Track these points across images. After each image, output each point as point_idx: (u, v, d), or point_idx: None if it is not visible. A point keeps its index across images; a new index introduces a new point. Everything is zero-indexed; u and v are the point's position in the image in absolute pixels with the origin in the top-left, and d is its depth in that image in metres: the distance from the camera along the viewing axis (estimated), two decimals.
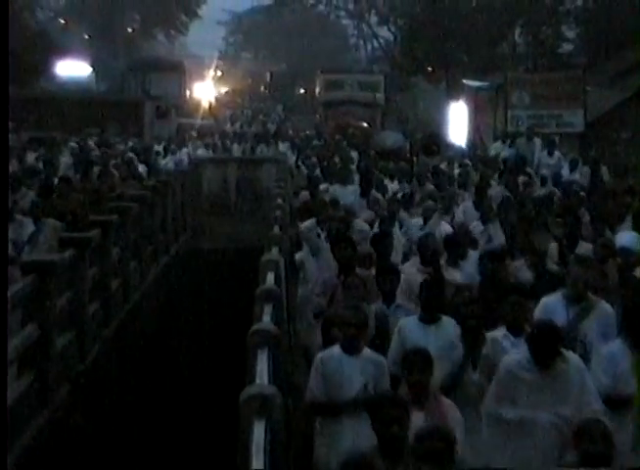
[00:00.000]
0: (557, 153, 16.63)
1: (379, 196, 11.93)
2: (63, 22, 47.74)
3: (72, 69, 37.34)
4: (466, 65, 35.36)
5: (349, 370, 5.77)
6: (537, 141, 17.21)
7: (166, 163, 20.20)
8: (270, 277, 7.36)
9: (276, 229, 10.14)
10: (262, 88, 58.61)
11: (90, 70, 38.42)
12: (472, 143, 22.61)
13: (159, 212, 15.10)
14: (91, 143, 21.19)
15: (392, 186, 13.56)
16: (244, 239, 16.95)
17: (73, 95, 29.71)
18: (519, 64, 34.37)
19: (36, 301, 7.67)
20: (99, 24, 48.28)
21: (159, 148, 22.06)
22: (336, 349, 5.92)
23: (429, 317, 6.36)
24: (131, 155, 18.52)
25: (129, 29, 52.46)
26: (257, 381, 4.77)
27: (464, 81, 29.90)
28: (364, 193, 12.11)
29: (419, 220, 10.45)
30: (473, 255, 8.42)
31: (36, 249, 9.29)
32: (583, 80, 21.39)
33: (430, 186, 12.81)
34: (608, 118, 22.31)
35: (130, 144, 22.69)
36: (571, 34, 35.01)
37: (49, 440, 7.37)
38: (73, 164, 16.59)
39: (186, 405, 11.03)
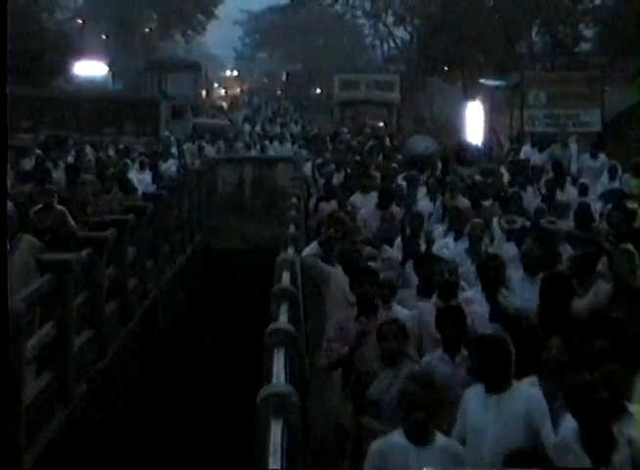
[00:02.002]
0: (602, 156, 15.01)
1: (395, 209, 10.46)
2: (80, 22, 47.95)
3: (90, 69, 37.52)
4: (482, 64, 35.30)
5: (417, 466, 4.37)
6: (573, 147, 16.01)
7: (169, 166, 18.54)
8: (286, 276, 7.36)
9: (292, 228, 10.14)
10: (278, 89, 58.66)
11: (107, 69, 38.57)
12: (498, 146, 21.91)
13: (174, 212, 15.15)
14: (88, 148, 19.26)
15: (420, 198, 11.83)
16: (259, 238, 16.98)
17: (90, 95, 29.84)
18: (536, 63, 34.24)
19: (54, 300, 7.71)
20: (116, 25, 48.48)
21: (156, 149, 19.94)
22: (397, 437, 4.53)
23: (492, 385, 4.83)
24: (127, 161, 16.49)
25: (146, 29, 52.61)
26: (274, 380, 4.78)
27: (480, 81, 29.83)
28: (382, 205, 10.56)
29: (447, 241, 8.88)
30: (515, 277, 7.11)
31: (9, 271, 7.92)
32: (601, 80, 21.29)
33: (464, 200, 11.02)
34: (625, 118, 22.21)
35: (121, 146, 20.37)
36: (588, 33, 34.85)
37: (68, 438, 7.41)
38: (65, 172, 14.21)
39: (203, 405, 11.05)
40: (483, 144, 21.72)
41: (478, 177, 13.09)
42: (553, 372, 5.01)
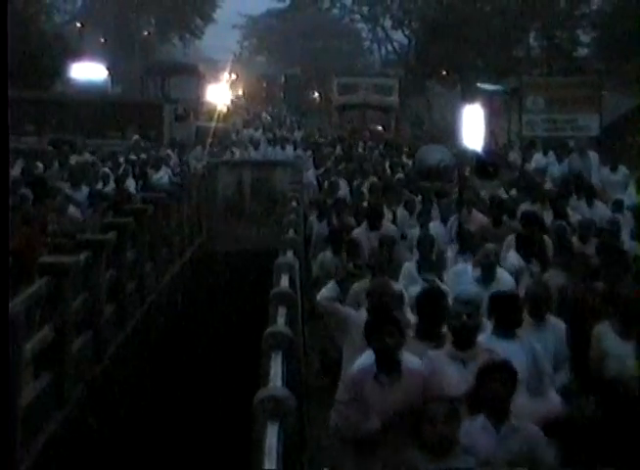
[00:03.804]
0: (622, 168, 13.89)
1: (390, 228, 9.58)
2: (79, 25, 47.99)
3: (88, 71, 37.47)
4: (480, 68, 35.34)
5: None
6: (593, 156, 14.57)
7: (160, 176, 17.19)
8: (285, 280, 7.37)
9: (291, 232, 10.15)
10: (277, 92, 58.69)
11: (106, 73, 38.55)
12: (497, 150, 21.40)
13: (174, 215, 15.16)
14: (87, 155, 17.68)
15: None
16: (258, 242, 16.98)
17: (93, 98, 29.85)
18: (534, 68, 34.31)
19: (52, 303, 7.73)
20: (115, 28, 48.51)
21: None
22: None
23: None
24: (107, 170, 15.17)
25: (145, 33, 52.66)
26: (271, 384, 4.78)
27: (478, 85, 29.90)
28: (372, 225, 9.49)
29: (466, 267, 7.66)
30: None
31: None
32: (599, 85, 21.34)
33: (480, 216, 9.78)
34: (623, 123, 22.27)
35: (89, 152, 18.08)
36: (586, 38, 34.94)
37: (65, 441, 7.42)
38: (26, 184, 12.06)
39: (200, 408, 11.05)
40: (483, 149, 21.73)
41: (501, 191, 11.70)
42: None
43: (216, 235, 18.80)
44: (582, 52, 35.08)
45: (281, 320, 6.15)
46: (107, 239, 9.68)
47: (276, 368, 5.07)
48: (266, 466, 3.82)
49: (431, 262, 7.81)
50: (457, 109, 30.46)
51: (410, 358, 5.14)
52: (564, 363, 6.04)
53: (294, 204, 12.65)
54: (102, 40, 48.25)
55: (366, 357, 5.19)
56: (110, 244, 9.73)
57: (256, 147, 23.39)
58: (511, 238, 8.67)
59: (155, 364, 11.26)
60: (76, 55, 37.41)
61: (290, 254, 8.77)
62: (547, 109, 20.99)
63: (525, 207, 10.60)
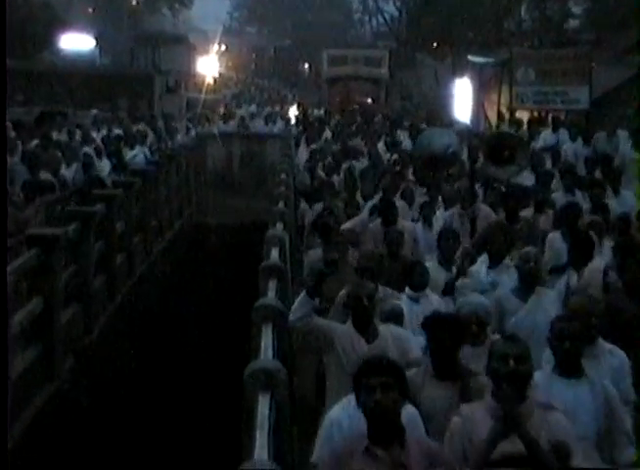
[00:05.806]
0: None
1: (407, 225, 8.14)
2: None
3: (76, 42, 37.10)
4: (471, 41, 35.17)
5: None
6: (622, 134, 12.94)
7: (135, 155, 15.54)
8: (275, 252, 7.37)
9: (281, 204, 10.13)
10: (267, 64, 58.36)
11: (94, 43, 38.16)
12: (486, 123, 20.87)
13: (163, 187, 15.11)
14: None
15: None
16: (248, 214, 16.95)
17: (83, 69, 29.57)
18: (524, 40, 34.15)
19: (41, 274, 7.71)
20: None
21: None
22: None
23: None
24: (88, 150, 13.90)
25: (133, 2, 52.11)
26: (262, 356, 4.79)
27: (469, 57, 29.75)
28: (387, 220, 8.03)
29: (480, 269, 6.52)
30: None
31: None
32: (589, 57, 21.26)
33: (485, 209, 8.62)
34: (614, 96, 22.21)
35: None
36: (577, 10, 34.77)
37: (54, 412, 7.42)
38: None
39: (191, 380, 11.08)
40: (472, 121, 21.64)
41: (520, 178, 9.78)
42: None
43: (206, 207, 18.76)
44: (573, 24, 34.93)
45: (271, 293, 6.16)
46: (95, 210, 9.65)
47: (267, 340, 5.07)
48: (258, 437, 3.83)
49: (454, 262, 6.55)
50: (448, 81, 30.36)
51: (416, 421, 3.96)
52: (626, 406, 4.58)
53: (283, 176, 12.62)
54: (90, 10, 47.72)
55: (341, 409, 4.10)
56: (98, 215, 9.70)
57: (233, 119, 22.96)
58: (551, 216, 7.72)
59: (144, 336, 11.27)
60: (64, 25, 37.04)
61: (280, 226, 8.76)
62: (537, 81, 20.91)
63: (559, 197, 9.12)
